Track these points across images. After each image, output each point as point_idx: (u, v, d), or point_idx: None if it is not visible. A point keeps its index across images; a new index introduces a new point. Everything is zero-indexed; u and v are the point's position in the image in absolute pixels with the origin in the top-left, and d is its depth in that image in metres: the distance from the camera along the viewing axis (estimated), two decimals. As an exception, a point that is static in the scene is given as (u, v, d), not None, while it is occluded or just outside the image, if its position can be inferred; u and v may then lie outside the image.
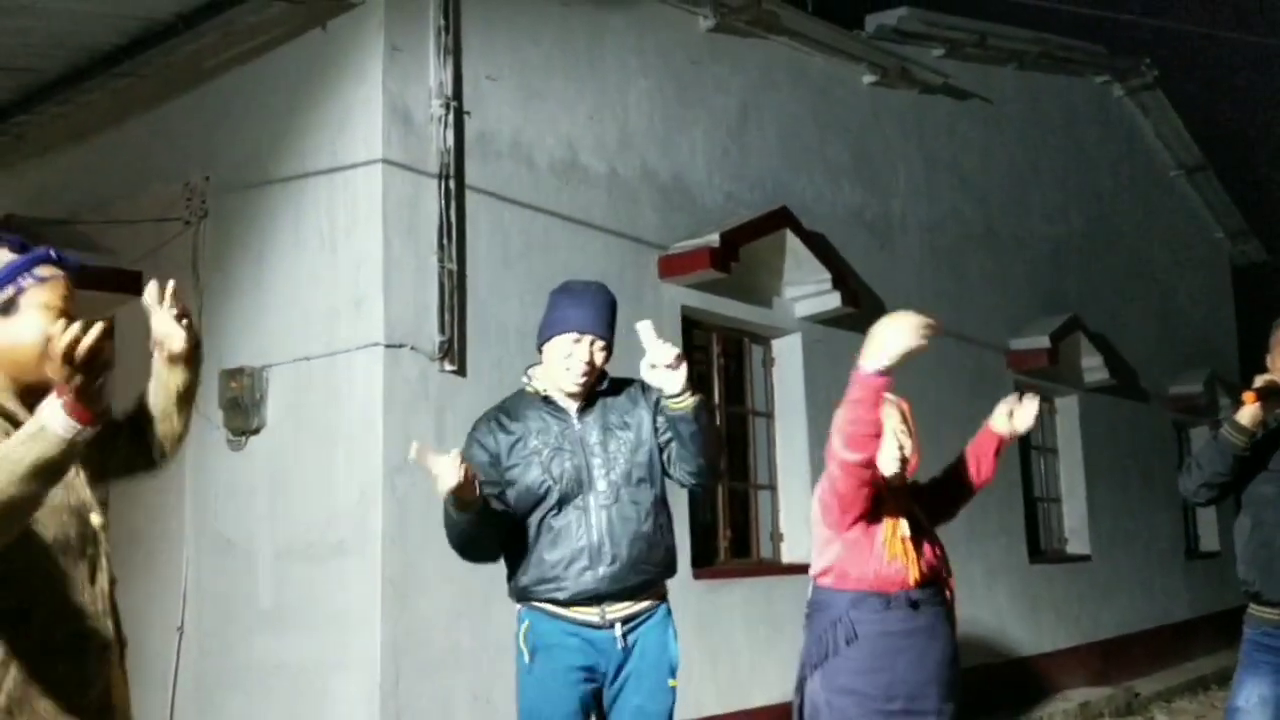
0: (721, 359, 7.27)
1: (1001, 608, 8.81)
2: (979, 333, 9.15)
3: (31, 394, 2.05)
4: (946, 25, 9.01)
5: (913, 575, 3.19)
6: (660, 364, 3.12)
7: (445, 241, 5.49)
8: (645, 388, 3.38)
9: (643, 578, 3.31)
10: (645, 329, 3.11)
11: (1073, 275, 10.66)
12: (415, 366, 5.35)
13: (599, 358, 3.38)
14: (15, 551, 1.92)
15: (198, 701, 5.77)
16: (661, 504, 3.39)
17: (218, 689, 5.70)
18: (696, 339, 7.04)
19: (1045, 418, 10.37)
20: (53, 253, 2.17)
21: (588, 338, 3.35)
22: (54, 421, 1.84)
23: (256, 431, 5.70)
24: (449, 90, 5.62)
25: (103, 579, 2.14)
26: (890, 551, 3.19)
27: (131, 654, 2.26)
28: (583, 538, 3.27)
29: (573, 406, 3.39)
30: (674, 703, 3.36)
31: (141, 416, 2.42)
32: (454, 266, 5.51)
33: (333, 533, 5.34)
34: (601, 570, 3.25)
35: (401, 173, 5.46)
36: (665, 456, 3.37)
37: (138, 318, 2.06)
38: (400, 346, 5.32)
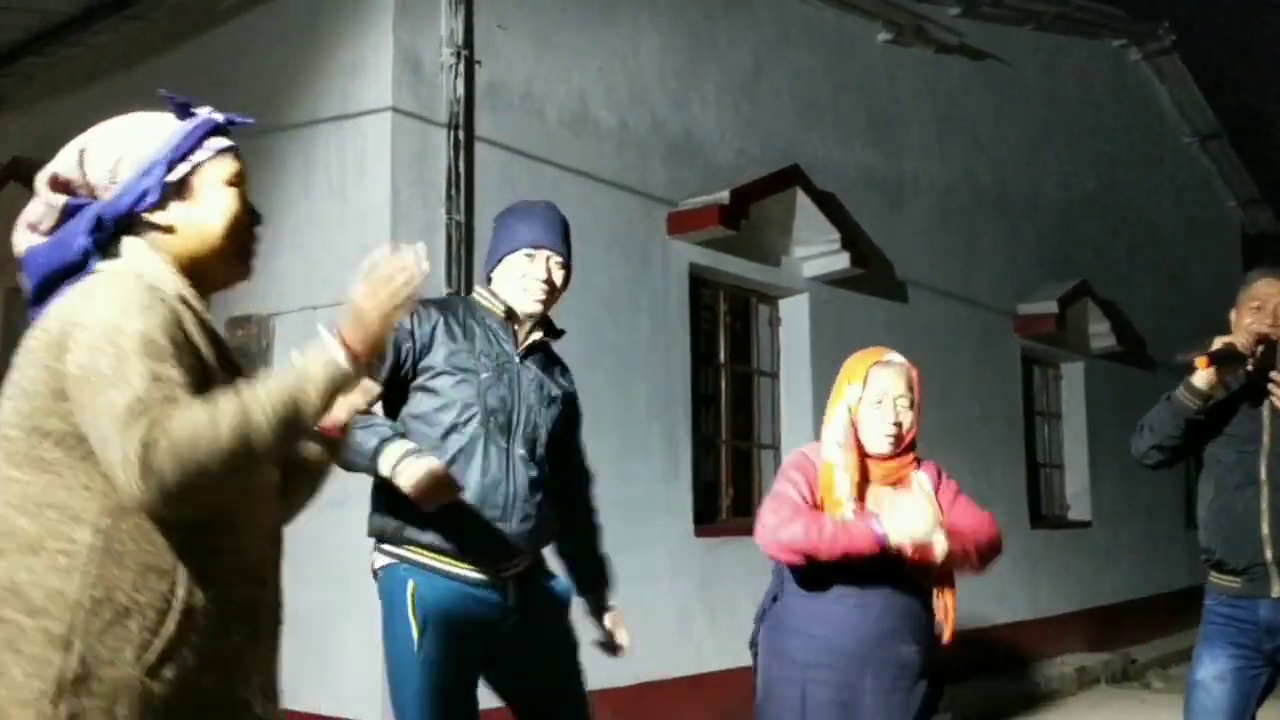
0: (728, 318, 7.25)
1: (1001, 572, 8.71)
2: (987, 296, 9.12)
3: (199, 283, 1.80)
4: (963, -16, 8.92)
5: None
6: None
7: (454, 192, 5.46)
8: (565, 371, 3.12)
9: (537, 543, 2.99)
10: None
11: (1083, 241, 10.60)
12: (422, 317, 5.33)
13: (558, 276, 2.99)
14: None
15: (201, 645, 5.81)
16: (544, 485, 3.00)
17: (220, 633, 5.74)
18: (704, 297, 7.02)
19: (1050, 383, 10.36)
20: (223, 119, 1.85)
21: (543, 253, 2.97)
22: (338, 357, 1.66)
23: (262, 379, 5.69)
24: (460, 39, 5.57)
25: (279, 545, 1.85)
26: None
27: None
28: (501, 487, 2.83)
29: (520, 339, 2.96)
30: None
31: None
32: (462, 218, 5.49)
33: (335, 481, 5.33)
34: (513, 526, 2.85)
35: (411, 122, 5.42)
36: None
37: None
38: (407, 297, 5.30)
